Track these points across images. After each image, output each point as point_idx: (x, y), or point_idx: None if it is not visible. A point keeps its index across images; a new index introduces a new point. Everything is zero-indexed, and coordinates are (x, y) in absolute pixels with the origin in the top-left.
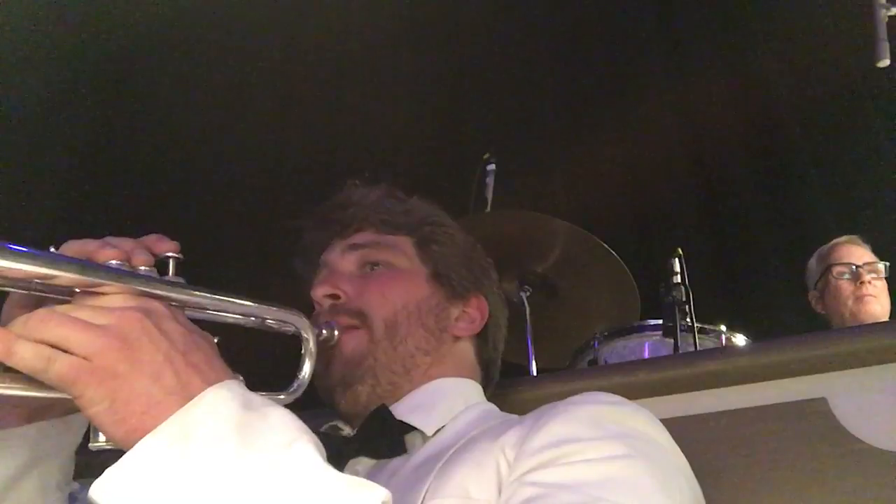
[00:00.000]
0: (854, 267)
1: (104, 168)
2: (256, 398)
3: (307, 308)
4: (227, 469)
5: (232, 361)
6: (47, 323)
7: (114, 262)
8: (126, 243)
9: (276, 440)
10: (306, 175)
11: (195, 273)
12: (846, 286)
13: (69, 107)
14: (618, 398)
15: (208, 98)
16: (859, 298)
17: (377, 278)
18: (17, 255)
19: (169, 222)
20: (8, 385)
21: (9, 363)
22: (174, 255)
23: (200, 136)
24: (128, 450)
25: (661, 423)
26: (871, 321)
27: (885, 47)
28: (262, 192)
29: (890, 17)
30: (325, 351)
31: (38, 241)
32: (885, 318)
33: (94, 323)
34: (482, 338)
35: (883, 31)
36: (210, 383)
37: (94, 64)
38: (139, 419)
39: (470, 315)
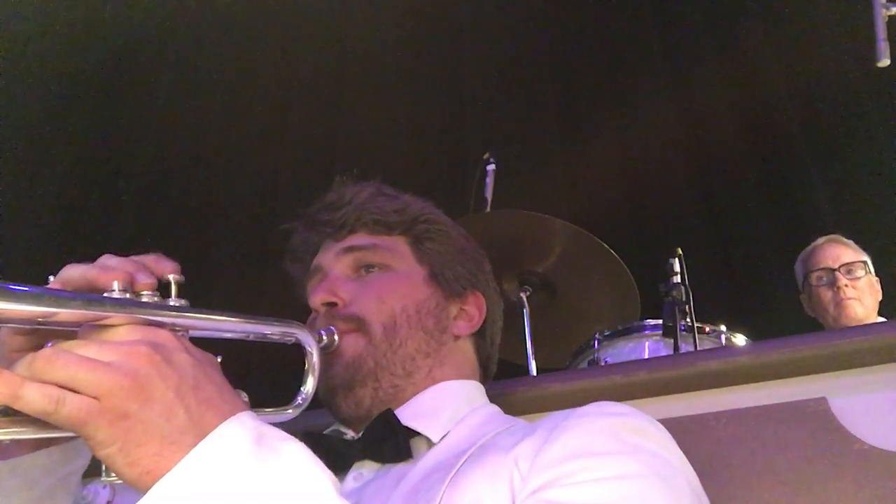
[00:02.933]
0: (831, 271)
1: (102, 176)
2: (269, 431)
3: (302, 310)
4: None
5: (234, 374)
6: (53, 363)
7: (117, 288)
8: (128, 265)
9: (290, 478)
10: (305, 177)
11: (196, 279)
12: (825, 293)
13: (65, 117)
14: (629, 409)
15: (206, 102)
16: (839, 303)
17: (374, 282)
18: (18, 297)
19: (167, 229)
20: (17, 429)
21: (16, 407)
22: (175, 277)
23: (198, 141)
24: (141, 492)
25: (669, 435)
26: (853, 325)
27: (885, 47)
28: (260, 194)
29: (890, 16)
30: (326, 355)
31: (37, 250)
32: (870, 317)
33: (102, 360)
34: (480, 334)
35: (883, 31)
36: (223, 416)
37: (90, 72)
38: (152, 460)
39: (468, 313)
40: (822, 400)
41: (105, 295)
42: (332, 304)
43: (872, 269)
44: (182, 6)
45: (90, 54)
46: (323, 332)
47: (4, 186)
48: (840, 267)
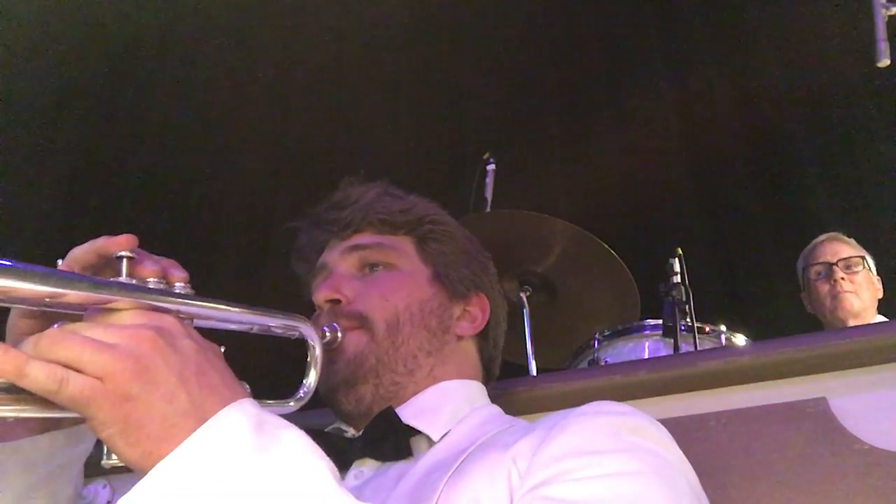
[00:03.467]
0: (829, 265)
1: (102, 174)
2: (269, 418)
3: (303, 309)
4: (241, 495)
5: (238, 366)
6: (59, 343)
7: (124, 272)
8: (133, 241)
9: (289, 464)
10: (305, 176)
11: (196, 278)
12: (822, 286)
13: (66, 116)
14: (628, 408)
15: (207, 101)
16: (835, 296)
17: (378, 281)
18: (27, 275)
19: (167, 228)
20: (20, 407)
21: (21, 384)
22: (181, 285)
23: (199, 140)
24: (141, 473)
25: (669, 434)
26: (850, 318)
27: (885, 47)
28: (260, 194)
29: (890, 16)
30: (328, 352)
31: (38, 244)
32: (867, 311)
33: (107, 342)
34: (484, 336)
35: (883, 31)
36: (224, 402)
37: (91, 68)
38: (153, 443)
39: (472, 314)
40: (822, 400)
41: (112, 280)
42: (336, 301)
43: (873, 267)
44: (182, 6)
45: (91, 53)
46: (326, 329)
47: (6, 185)
48: (838, 261)
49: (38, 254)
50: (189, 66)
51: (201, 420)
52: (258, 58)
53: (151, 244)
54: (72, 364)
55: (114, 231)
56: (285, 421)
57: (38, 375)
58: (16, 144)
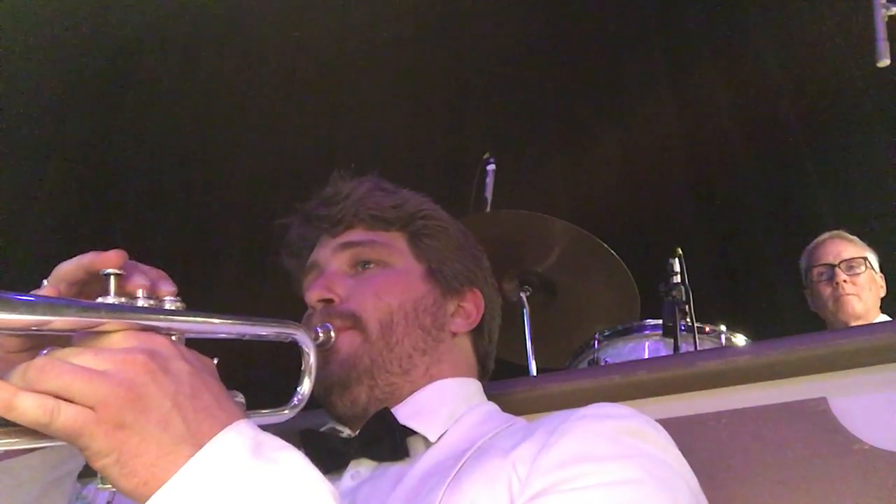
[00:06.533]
0: (831, 267)
1: (101, 175)
2: (267, 440)
3: (303, 304)
4: None
5: (231, 372)
6: (48, 373)
7: (112, 291)
8: (123, 256)
9: (288, 487)
10: (305, 177)
11: (196, 276)
12: (825, 288)
13: (65, 116)
14: (627, 410)
15: (206, 102)
16: (837, 299)
17: (371, 279)
18: (12, 305)
19: (167, 227)
20: (10, 440)
21: (10, 417)
22: (171, 299)
23: (199, 140)
24: (139, 503)
25: (668, 436)
26: (852, 321)
27: (885, 47)
28: (260, 194)
29: (890, 16)
30: (322, 353)
31: (37, 248)
32: (869, 312)
33: (98, 369)
34: (478, 331)
35: (883, 31)
36: (220, 425)
37: (92, 69)
38: (149, 472)
39: (466, 310)
40: (822, 400)
41: (100, 301)
42: (329, 301)
43: (876, 265)
44: (182, 6)
45: (91, 53)
46: (319, 329)
47: (5, 185)
48: (840, 263)
49: (39, 254)
50: (189, 65)
51: (197, 445)
52: (257, 58)
53: (152, 246)
54: (62, 394)
55: (112, 235)
56: (283, 441)
57: (27, 408)
58: (15, 145)
